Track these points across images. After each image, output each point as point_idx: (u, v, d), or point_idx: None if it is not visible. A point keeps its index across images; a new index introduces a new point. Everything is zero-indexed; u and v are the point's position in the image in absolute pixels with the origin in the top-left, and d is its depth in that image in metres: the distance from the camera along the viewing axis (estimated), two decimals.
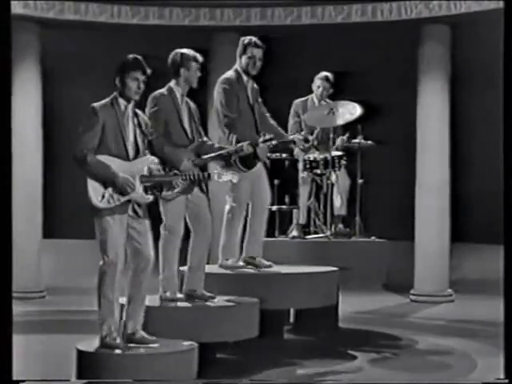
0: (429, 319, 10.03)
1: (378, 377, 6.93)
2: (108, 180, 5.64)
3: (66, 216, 13.29)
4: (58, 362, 6.94)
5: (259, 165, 7.25)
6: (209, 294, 6.65)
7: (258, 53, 7.26)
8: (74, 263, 12.96)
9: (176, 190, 6.12)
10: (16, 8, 10.45)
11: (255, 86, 7.43)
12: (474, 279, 12.16)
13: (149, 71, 5.78)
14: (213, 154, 6.72)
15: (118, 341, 5.72)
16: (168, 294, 6.60)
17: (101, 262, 5.72)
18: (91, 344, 5.84)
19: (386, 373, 7.07)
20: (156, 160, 5.90)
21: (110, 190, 5.66)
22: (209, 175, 6.25)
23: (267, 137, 7.12)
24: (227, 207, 7.31)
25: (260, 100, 7.49)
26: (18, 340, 5.70)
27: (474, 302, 11.04)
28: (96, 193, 5.65)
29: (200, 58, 6.64)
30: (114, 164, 5.66)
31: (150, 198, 5.86)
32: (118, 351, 5.66)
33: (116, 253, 5.67)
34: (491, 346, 7.77)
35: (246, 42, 7.27)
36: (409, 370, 7.13)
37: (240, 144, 6.93)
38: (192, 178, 6.15)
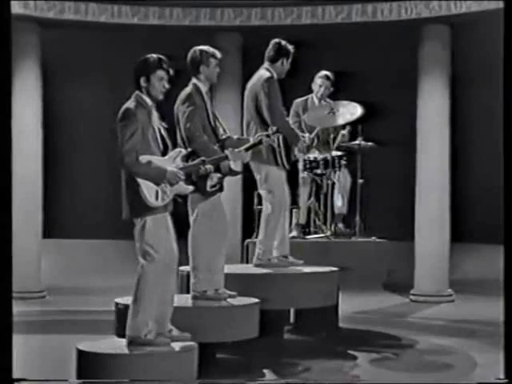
0: (429, 319, 10.03)
1: (378, 377, 6.93)
2: (159, 177, 5.68)
3: (66, 216, 13.30)
4: (58, 362, 6.95)
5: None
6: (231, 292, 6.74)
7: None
8: (74, 263, 12.97)
9: (213, 186, 6.37)
10: (16, 8, 10.45)
11: None
12: (474, 279, 12.15)
13: (172, 71, 5.81)
14: (245, 146, 6.63)
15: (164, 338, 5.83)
16: (221, 291, 6.62)
17: (149, 261, 5.73)
18: (91, 344, 5.85)
19: (385, 373, 7.07)
20: (183, 151, 5.96)
21: (162, 186, 5.71)
22: (227, 157, 6.33)
23: (274, 129, 7.06)
24: (269, 206, 7.37)
25: None
26: (18, 340, 5.69)
27: (474, 302, 11.04)
28: (150, 192, 5.68)
29: (218, 54, 6.68)
30: (156, 162, 5.72)
31: (190, 188, 5.96)
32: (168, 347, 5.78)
33: (174, 249, 5.78)
34: (491, 345, 7.76)
35: (290, 47, 7.42)
36: (409, 370, 7.13)
37: (263, 133, 6.91)
38: (218, 160, 6.29)
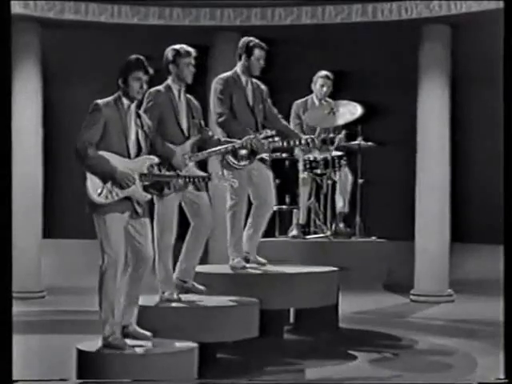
0: (429, 319, 10.03)
1: (378, 377, 6.93)
2: (107, 174, 5.62)
3: (66, 216, 13.29)
4: (58, 362, 6.95)
5: (257, 162, 7.22)
6: (200, 287, 6.64)
7: (263, 54, 7.30)
8: (73, 263, 12.96)
9: (165, 192, 6.12)
10: (16, 8, 10.45)
11: (262, 86, 7.44)
12: (474, 279, 12.16)
13: (151, 71, 5.79)
14: (210, 150, 6.68)
15: (121, 341, 5.72)
16: (166, 294, 6.58)
17: (100, 262, 5.71)
18: (91, 344, 5.84)
19: (386, 373, 7.07)
20: (156, 159, 5.88)
21: (108, 185, 5.64)
22: (209, 177, 6.22)
23: (269, 133, 7.07)
24: (227, 204, 7.31)
25: (269, 101, 7.50)
26: (18, 340, 5.69)
27: (474, 302, 11.04)
28: (94, 188, 5.63)
29: (192, 53, 6.58)
30: (114, 160, 5.65)
31: (148, 196, 5.84)
32: (121, 351, 5.66)
33: (116, 252, 5.65)
34: (491, 345, 7.77)
35: (251, 44, 7.28)
36: (409, 370, 7.12)
37: (242, 140, 6.89)
38: (191, 179, 6.15)
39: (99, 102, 5.73)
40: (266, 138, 7.01)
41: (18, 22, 9.96)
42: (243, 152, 6.98)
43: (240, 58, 7.32)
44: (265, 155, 7.29)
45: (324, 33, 11.77)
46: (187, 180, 6.12)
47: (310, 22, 11.55)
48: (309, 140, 7.52)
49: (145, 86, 5.80)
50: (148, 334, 5.89)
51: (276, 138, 7.13)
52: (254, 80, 7.40)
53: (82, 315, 9.59)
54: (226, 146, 6.82)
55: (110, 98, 5.78)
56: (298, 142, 7.47)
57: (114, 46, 12.04)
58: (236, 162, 7.03)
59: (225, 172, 6.50)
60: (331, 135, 8.70)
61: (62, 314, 10.07)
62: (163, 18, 11.59)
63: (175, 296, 6.59)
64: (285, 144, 7.33)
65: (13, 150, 5.48)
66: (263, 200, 7.36)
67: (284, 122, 7.65)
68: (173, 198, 6.48)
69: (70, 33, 12.01)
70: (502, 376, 5.29)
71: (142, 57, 5.82)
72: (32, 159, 11.49)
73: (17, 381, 5.31)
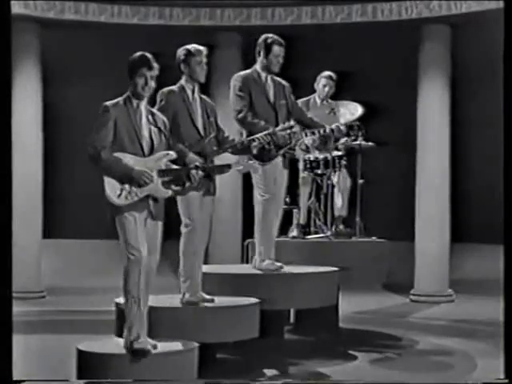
0: (429, 319, 10.03)
1: (378, 377, 6.93)
2: (124, 175, 5.57)
3: (66, 216, 13.30)
4: (58, 362, 6.95)
5: (280, 161, 7.20)
6: (207, 297, 6.59)
7: (282, 51, 7.33)
8: (73, 263, 12.97)
9: (187, 185, 6.00)
10: (16, 8, 10.45)
11: (283, 83, 7.44)
12: (474, 279, 12.16)
13: (156, 66, 5.75)
14: (226, 146, 6.62)
15: (147, 344, 5.65)
16: (187, 295, 6.49)
17: (125, 262, 5.62)
18: (91, 344, 5.84)
19: (386, 373, 7.07)
20: (174, 155, 5.82)
21: (127, 186, 5.60)
22: (229, 166, 6.16)
23: (286, 125, 7.03)
24: (258, 201, 7.26)
25: (292, 96, 7.50)
26: (18, 340, 5.70)
27: (474, 302, 11.04)
28: (113, 190, 5.58)
29: (203, 51, 6.56)
30: (129, 160, 5.61)
31: (169, 192, 5.78)
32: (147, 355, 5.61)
33: (139, 250, 5.58)
34: (491, 346, 7.77)
35: (269, 40, 7.30)
36: (409, 370, 7.13)
37: (253, 136, 6.87)
38: (211, 169, 6.13)
39: (107, 103, 5.69)
40: (284, 129, 6.96)
41: (18, 22, 9.97)
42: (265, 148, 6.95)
43: (259, 55, 7.32)
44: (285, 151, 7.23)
45: (324, 33, 11.77)
46: (209, 170, 6.09)
47: (310, 22, 11.55)
48: (333, 127, 7.49)
49: (150, 83, 5.72)
50: (153, 343, 5.76)
51: (295, 129, 7.08)
52: (275, 77, 7.39)
53: (82, 315, 9.60)
54: (242, 140, 6.79)
55: (119, 99, 5.75)
56: (322, 131, 7.46)
57: (114, 46, 12.06)
58: (257, 160, 6.97)
59: (244, 158, 6.42)
60: (358, 123, 8.63)
61: (61, 314, 10.07)
62: (163, 18, 11.59)
63: (204, 296, 6.50)
64: (308, 134, 7.34)
65: (13, 150, 5.49)
66: (279, 204, 7.38)
67: (309, 116, 7.67)
68: (196, 196, 6.40)
69: (70, 33, 12.01)
70: (502, 376, 5.30)
71: (146, 53, 5.78)
72: (32, 159, 11.49)
73: (17, 381, 5.31)
